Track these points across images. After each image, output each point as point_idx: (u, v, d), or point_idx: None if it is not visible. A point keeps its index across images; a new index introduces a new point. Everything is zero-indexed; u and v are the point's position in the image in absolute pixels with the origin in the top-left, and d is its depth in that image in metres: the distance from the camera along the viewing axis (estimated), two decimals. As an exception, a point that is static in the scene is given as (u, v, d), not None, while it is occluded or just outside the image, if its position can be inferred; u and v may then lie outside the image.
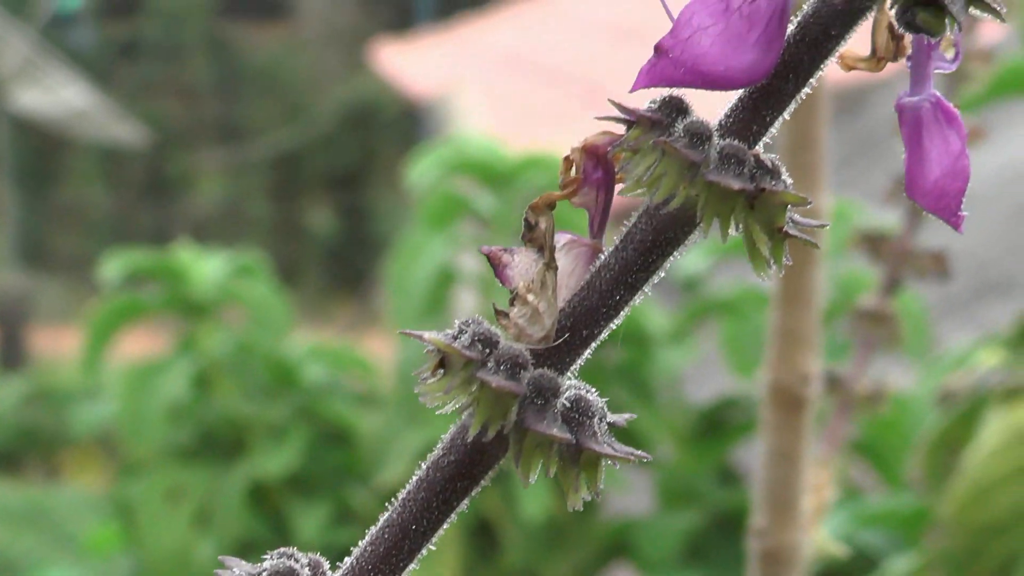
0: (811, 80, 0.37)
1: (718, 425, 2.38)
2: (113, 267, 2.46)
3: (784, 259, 0.36)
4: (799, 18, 0.37)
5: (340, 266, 11.10)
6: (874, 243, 1.00)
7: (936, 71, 0.39)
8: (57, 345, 7.25)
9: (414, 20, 11.29)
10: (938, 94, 0.39)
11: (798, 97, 0.37)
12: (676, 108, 0.37)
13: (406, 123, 10.40)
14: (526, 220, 0.37)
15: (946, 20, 0.36)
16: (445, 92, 8.72)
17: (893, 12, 0.37)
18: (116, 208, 11.35)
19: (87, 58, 11.86)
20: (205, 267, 2.45)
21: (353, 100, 10.96)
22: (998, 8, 0.36)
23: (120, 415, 2.41)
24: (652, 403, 2.34)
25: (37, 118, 10.21)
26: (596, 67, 7.72)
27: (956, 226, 0.39)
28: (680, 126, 0.36)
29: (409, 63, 9.61)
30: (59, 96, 10.22)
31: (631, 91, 0.36)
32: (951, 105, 0.39)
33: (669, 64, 0.36)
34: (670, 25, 0.37)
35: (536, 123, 7.70)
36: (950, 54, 0.39)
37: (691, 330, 2.49)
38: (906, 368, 2.44)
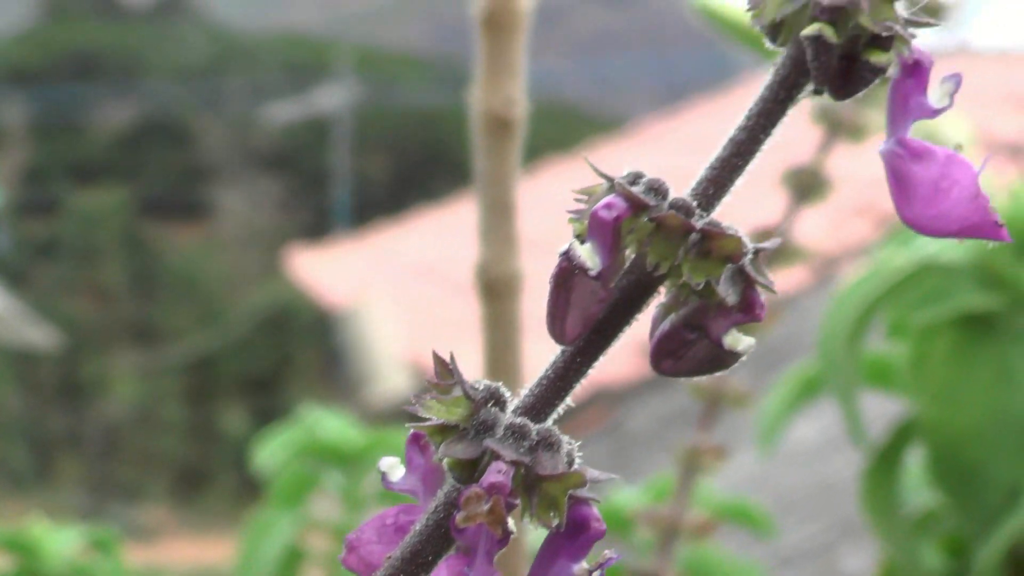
0: None
1: None
2: (-37, 542, 2.45)
3: None
4: None
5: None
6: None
7: None
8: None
9: (331, 222, 11.39)
10: None
11: None
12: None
13: (321, 329, 10.43)
14: None
15: None
16: (359, 301, 8.78)
17: None
18: (28, 411, 11.27)
19: (3, 258, 11.86)
20: (58, 541, 2.45)
21: (269, 304, 10.99)
22: None
23: None
24: None
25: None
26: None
27: None
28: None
29: (324, 270, 9.67)
30: (-27, 299, 10.21)
31: None
32: None
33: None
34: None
35: (448, 333, 7.75)
36: None
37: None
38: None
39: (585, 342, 0.39)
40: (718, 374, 0.40)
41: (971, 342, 1.36)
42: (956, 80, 0.40)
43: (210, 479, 11.13)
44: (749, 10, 0.39)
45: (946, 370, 1.37)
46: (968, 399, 1.35)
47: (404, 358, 8.01)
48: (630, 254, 0.39)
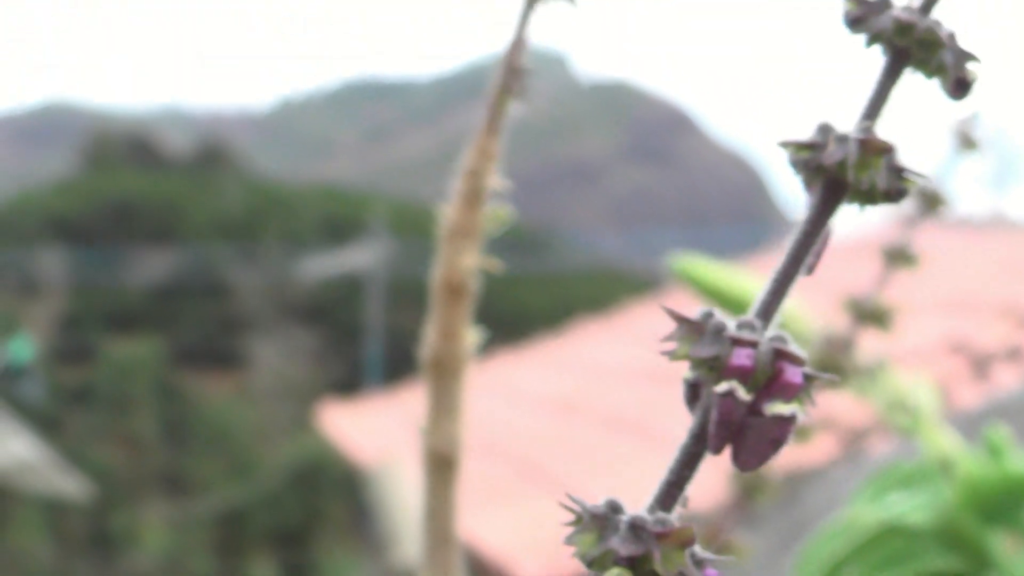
0: None
1: None
2: None
3: None
4: None
5: (281, 625, 10.97)
6: None
7: None
8: None
9: (363, 377, 11.42)
10: None
11: None
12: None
13: (351, 484, 10.43)
14: None
15: None
16: (387, 458, 8.78)
17: None
18: (58, 561, 11.26)
19: (35, 406, 11.92)
20: None
21: (300, 458, 11.00)
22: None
23: None
24: None
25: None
26: (532, 441, 7.78)
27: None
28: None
29: (354, 426, 9.69)
30: (6, 447, 10.24)
31: None
32: None
33: None
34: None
35: (477, 496, 7.72)
36: None
37: None
38: None
39: None
40: None
41: (935, 604, 1.37)
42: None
43: (237, 633, 11.07)
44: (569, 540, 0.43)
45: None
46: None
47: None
48: None
